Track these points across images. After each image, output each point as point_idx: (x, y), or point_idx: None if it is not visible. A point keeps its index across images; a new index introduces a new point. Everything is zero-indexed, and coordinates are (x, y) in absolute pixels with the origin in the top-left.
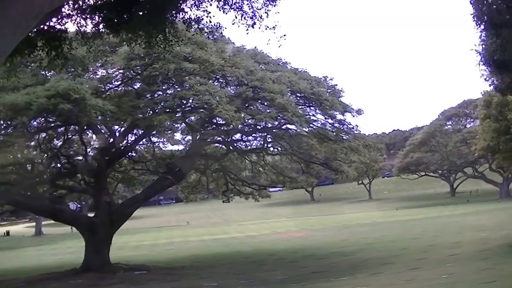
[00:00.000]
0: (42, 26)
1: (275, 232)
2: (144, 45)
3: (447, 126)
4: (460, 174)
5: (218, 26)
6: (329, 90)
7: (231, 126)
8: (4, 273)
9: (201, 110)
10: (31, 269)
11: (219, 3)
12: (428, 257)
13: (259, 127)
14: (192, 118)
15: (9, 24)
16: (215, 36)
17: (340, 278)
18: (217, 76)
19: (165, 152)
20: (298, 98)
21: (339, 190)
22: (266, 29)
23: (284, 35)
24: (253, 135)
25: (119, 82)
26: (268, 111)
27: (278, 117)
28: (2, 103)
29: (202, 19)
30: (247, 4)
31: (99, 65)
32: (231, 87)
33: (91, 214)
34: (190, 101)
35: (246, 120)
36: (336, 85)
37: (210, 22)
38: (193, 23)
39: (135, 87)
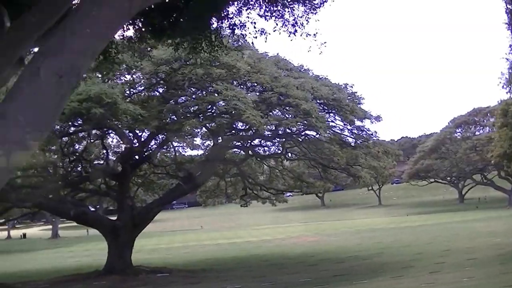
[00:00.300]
0: None
1: (289, 237)
2: (189, 50)
3: (456, 134)
4: (468, 181)
5: (262, 32)
6: (349, 97)
7: (250, 132)
8: (25, 274)
9: (225, 115)
10: (51, 271)
11: (260, 11)
12: (446, 262)
13: (280, 133)
14: (218, 122)
15: (101, 24)
16: (240, 43)
17: (362, 281)
18: (240, 82)
19: (185, 157)
20: (318, 104)
21: (348, 196)
22: (307, 36)
23: (325, 42)
24: (273, 140)
25: (142, 87)
26: (288, 116)
27: (299, 123)
28: None
29: (245, 25)
30: (288, 12)
31: (121, 69)
32: (253, 93)
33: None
34: (218, 105)
35: (269, 126)
36: (356, 92)
37: (255, 28)
38: (236, 29)
39: (158, 92)
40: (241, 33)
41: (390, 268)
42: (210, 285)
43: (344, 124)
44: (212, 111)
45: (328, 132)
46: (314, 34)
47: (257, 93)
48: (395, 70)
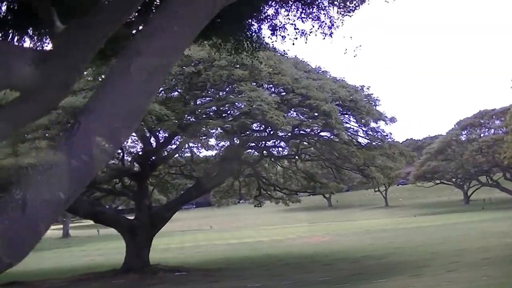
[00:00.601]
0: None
1: (300, 237)
2: (233, 51)
3: (462, 136)
4: (474, 182)
5: (302, 33)
6: (365, 99)
7: (265, 133)
8: (41, 273)
9: (248, 115)
10: (67, 270)
11: (296, 13)
12: (461, 261)
13: (297, 133)
14: (242, 122)
15: (187, 23)
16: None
17: (381, 280)
18: (261, 83)
19: (200, 157)
20: (336, 106)
21: (355, 197)
22: (343, 38)
23: (360, 45)
24: (290, 141)
25: (161, 88)
26: (303, 117)
27: (318, 124)
28: (61, 105)
29: (285, 26)
30: (324, 14)
31: None
32: (274, 94)
33: None
34: (241, 106)
35: (290, 126)
36: (372, 94)
37: (296, 29)
38: (276, 30)
39: (178, 92)
40: (280, 35)
41: (406, 267)
42: (230, 284)
43: (359, 126)
44: (235, 111)
45: (346, 133)
46: (350, 37)
47: (274, 94)
48: (399, 72)
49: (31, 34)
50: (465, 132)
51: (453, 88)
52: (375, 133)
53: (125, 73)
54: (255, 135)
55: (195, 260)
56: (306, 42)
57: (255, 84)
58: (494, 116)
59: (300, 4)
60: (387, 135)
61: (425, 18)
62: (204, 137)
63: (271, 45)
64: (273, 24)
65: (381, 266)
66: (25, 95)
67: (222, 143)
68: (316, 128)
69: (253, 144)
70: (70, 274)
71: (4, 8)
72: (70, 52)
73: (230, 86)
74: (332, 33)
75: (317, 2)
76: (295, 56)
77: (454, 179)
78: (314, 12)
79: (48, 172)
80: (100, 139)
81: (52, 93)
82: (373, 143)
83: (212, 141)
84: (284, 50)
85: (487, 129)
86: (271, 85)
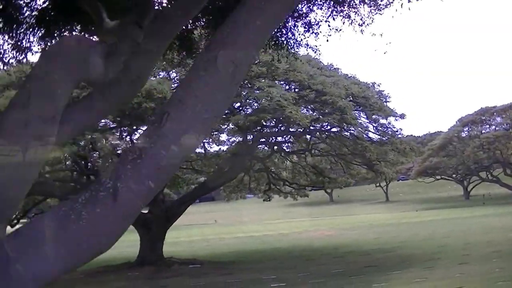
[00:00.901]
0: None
1: (305, 230)
2: (268, 48)
3: (463, 133)
4: (474, 177)
5: (337, 30)
6: (376, 96)
7: (275, 129)
8: None
9: (260, 111)
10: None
11: (328, 10)
12: (471, 254)
13: (308, 129)
14: (262, 117)
15: (269, 17)
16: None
17: (394, 272)
18: (278, 80)
19: (210, 153)
20: (349, 102)
21: (356, 192)
22: (373, 35)
23: (390, 42)
24: (303, 136)
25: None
26: (315, 113)
27: (332, 119)
28: None
29: (319, 23)
30: (354, 11)
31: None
32: (287, 91)
33: None
34: (261, 102)
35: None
36: (383, 90)
37: (329, 26)
38: (311, 28)
39: None
40: (314, 32)
41: (417, 260)
42: (244, 276)
43: (369, 121)
44: (248, 107)
45: (359, 129)
46: (381, 34)
47: (287, 91)
48: (399, 69)
49: (74, 29)
50: (467, 129)
51: (453, 86)
52: (385, 129)
53: (212, 65)
54: (266, 130)
55: (206, 253)
56: (339, 39)
57: (270, 81)
58: (495, 113)
59: (331, 2)
60: (397, 131)
61: (425, 16)
62: (216, 132)
63: (304, 43)
64: (307, 21)
65: (392, 259)
66: (100, 89)
67: (233, 138)
68: (326, 124)
69: (264, 139)
70: (85, 267)
71: (47, 3)
72: (146, 47)
73: (244, 82)
74: (363, 30)
75: (348, 0)
76: (308, 53)
77: (454, 175)
78: (345, 10)
79: (137, 161)
80: (188, 130)
81: (125, 86)
82: (384, 139)
83: (223, 137)
84: (316, 46)
85: (488, 126)
86: (285, 82)
